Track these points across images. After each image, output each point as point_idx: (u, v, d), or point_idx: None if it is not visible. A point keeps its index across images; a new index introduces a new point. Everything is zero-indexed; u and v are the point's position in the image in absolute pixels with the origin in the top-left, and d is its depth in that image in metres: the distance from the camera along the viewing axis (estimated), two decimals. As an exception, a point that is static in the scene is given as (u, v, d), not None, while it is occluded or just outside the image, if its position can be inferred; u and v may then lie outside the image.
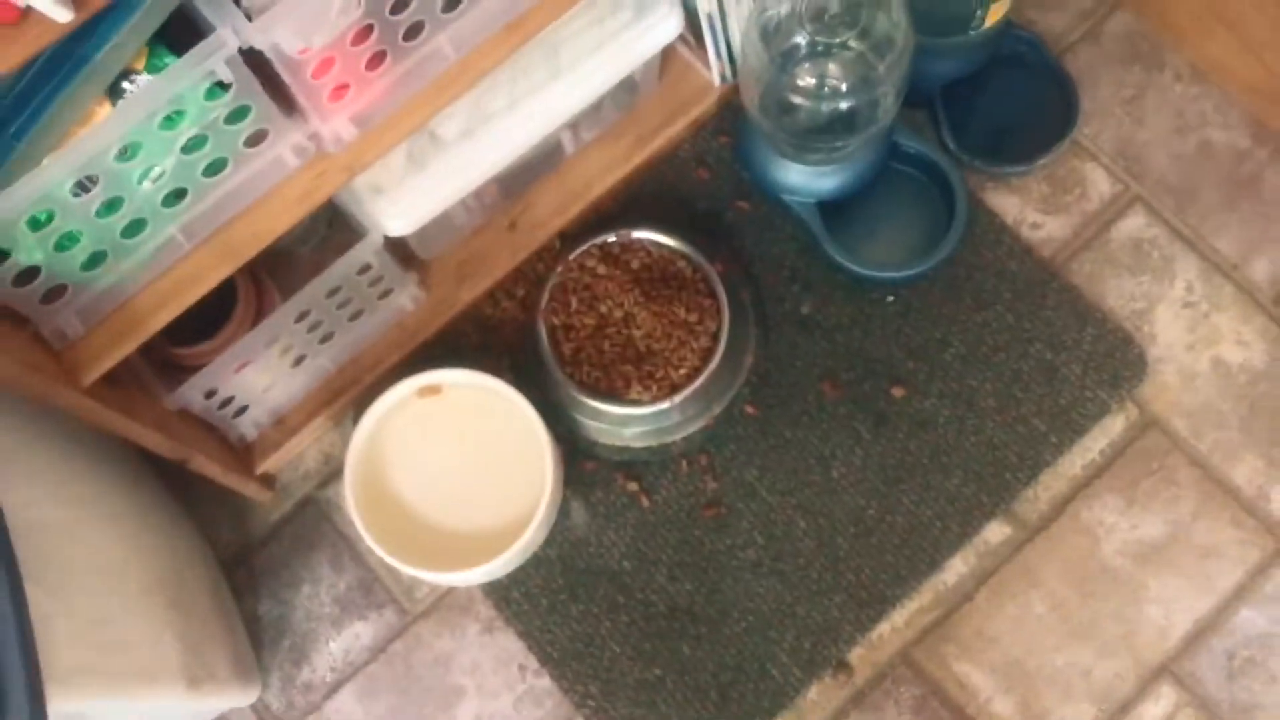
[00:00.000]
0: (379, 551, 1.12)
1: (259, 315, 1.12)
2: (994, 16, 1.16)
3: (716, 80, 1.28)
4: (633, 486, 1.22)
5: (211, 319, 1.10)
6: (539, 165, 1.24)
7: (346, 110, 0.90)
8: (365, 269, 1.13)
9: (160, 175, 0.85)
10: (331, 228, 1.22)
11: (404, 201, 1.10)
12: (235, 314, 1.11)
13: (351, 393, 1.24)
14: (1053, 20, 1.33)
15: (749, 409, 1.23)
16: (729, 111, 1.31)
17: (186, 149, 0.84)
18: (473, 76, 0.95)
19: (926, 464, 1.20)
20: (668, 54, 1.28)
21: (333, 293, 1.12)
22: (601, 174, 1.28)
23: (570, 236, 1.28)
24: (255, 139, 0.88)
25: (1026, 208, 1.27)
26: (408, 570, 1.12)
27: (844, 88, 1.08)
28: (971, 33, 1.17)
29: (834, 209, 1.24)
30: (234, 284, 1.11)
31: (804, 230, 1.26)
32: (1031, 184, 1.28)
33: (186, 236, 0.91)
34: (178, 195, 0.88)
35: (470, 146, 1.11)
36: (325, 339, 1.19)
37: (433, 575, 1.13)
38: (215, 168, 0.88)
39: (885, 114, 1.12)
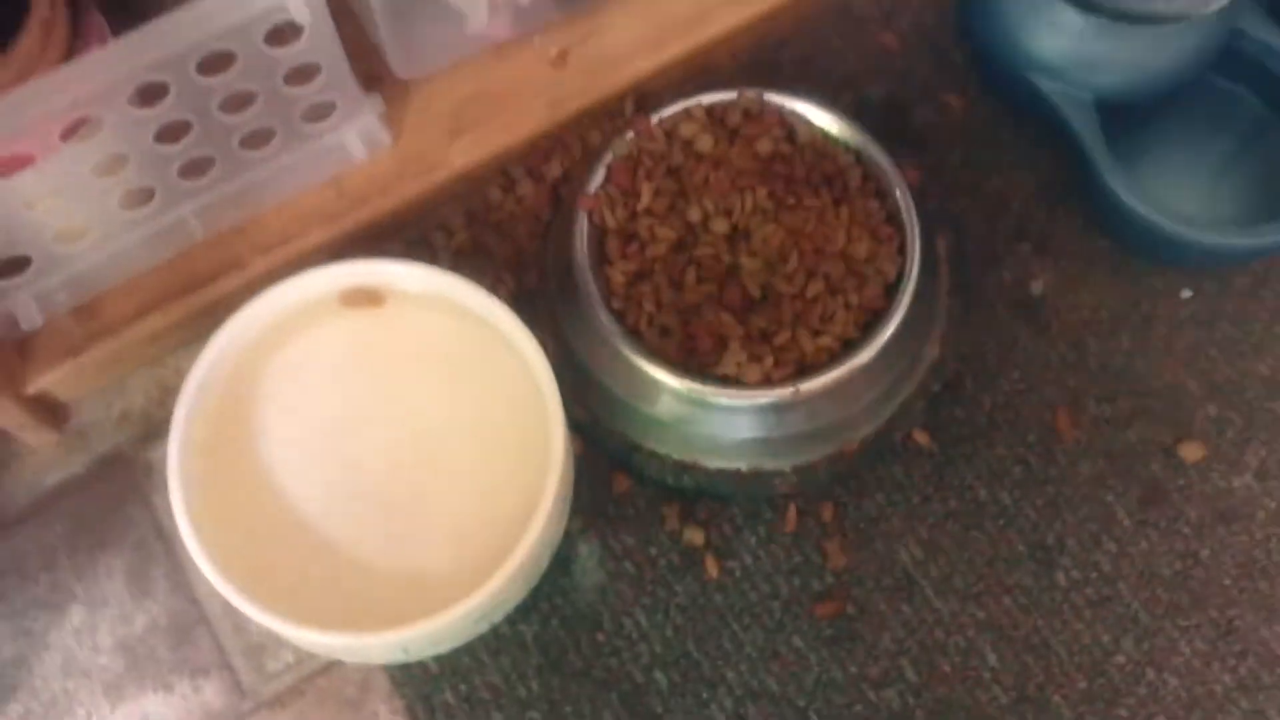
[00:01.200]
0: (212, 578, 0.57)
1: (67, 52, 0.58)
2: None
3: (940, -111, 0.78)
4: (695, 537, 0.68)
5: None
6: (628, -46, 0.72)
7: None
8: (284, 32, 0.60)
9: None
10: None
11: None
12: (23, 35, 0.55)
13: (228, 280, 0.70)
14: None
15: (920, 437, 0.70)
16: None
17: None
18: None
19: (1229, 588, 0.67)
20: None
21: (214, 64, 0.59)
22: (725, 4, 0.76)
23: (652, 98, 0.75)
24: None
25: None
26: (263, 619, 0.58)
27: None
28: None
29: (1114, 122, 0.72)
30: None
31: (1059, 149, 0.73)
32: None
33: None
34: None
35: None
36: (194, 167, 0.65)
37: (308, 635, 0.58)
38: None
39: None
